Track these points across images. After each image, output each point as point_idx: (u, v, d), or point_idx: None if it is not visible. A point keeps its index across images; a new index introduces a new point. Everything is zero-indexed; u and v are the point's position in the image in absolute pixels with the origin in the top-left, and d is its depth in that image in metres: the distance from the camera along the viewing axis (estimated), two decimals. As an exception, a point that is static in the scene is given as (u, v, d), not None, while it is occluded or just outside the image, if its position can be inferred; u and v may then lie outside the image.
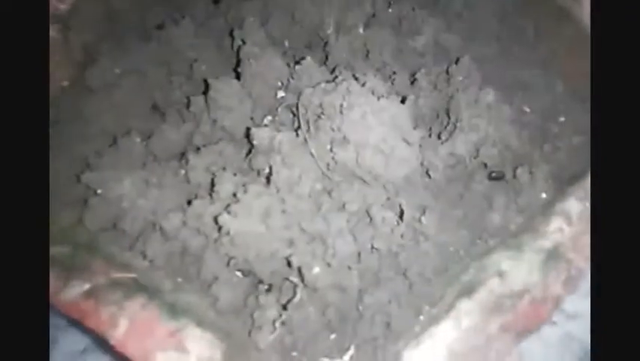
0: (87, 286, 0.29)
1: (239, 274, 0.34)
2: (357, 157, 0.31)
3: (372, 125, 0.30)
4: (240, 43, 0.39)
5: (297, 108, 0.34)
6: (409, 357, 0.27)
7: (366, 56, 0.42)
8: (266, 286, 0.34)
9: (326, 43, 0.44)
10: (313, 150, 0.32)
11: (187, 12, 0.49)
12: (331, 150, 0.32)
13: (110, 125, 0.41)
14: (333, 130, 0.31)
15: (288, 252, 0.31)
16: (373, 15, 0.45)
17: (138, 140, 0.38)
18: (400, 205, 0.31)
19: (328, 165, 0.33)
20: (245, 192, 0.30)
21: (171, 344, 0.27)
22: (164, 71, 0.45)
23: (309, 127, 0.33)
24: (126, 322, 0.28)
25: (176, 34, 0.46)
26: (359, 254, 0.33)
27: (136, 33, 0.47)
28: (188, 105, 0.40)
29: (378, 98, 0.31)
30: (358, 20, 0.44)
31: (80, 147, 0.38)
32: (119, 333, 0.27)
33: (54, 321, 0.53)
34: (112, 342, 0.27)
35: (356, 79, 0.34)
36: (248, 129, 0.34)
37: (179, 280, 0.33)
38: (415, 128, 0.33)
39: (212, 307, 0.31)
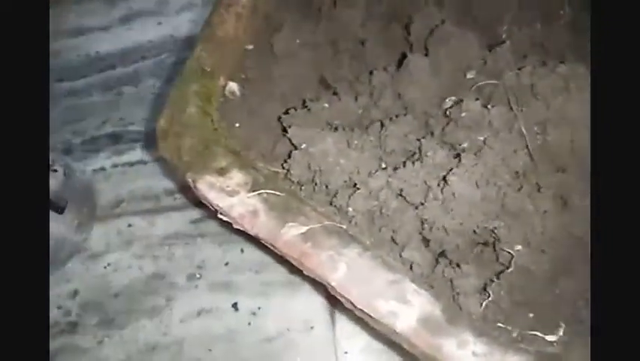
0: (304, 228, 0.30)
1: (421, 244, 0.35)
2: (572, 138, 0.31)
3: (601, 108, 0.30)
4: (439, 22, 0.40)
5: (504, 89, 0.34)
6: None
7: (546, 49, 0.43)
8: (449, 260, 0.34)
9: (501, 36, 0.45)
10: (523, 129, 0.33)
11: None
12: (543, 129, 0.32)
13: (290, 89, 0.43)
14: (548, 110, 0.32)
15: (494, 224, 0.31)
16: (548, 13, 0.45)
17: (326, 105, 0.39)
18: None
19: (531, 145, 0.33)
20: (462, 160, 0.31)
21: (392, 294, 0.28)
22: (333, 49, 0.47)
23: (518, 106, 0.33)
24: (345, 267, 0.29)
25: (346, 15, 0.48)
26: (553, 239, 0.33)
27: (309, 10, 0.49)
28: (370, 80, 0.41)
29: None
30: (535, 17, 0.44)
31: (270, 105, 0.40)
32: (339, 276, 0.28)
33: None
34: (333, 284, 0.28)
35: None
36: (458, 101, 0.35)
37: (372, 239, 0.33)
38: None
39: (409, 269, 0.32)
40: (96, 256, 0.60)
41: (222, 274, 0.56)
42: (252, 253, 0.56)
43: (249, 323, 0.53)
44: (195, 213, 0.60)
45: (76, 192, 0.60)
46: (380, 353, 0.50)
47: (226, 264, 0.57)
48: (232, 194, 0.31)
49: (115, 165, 0.66)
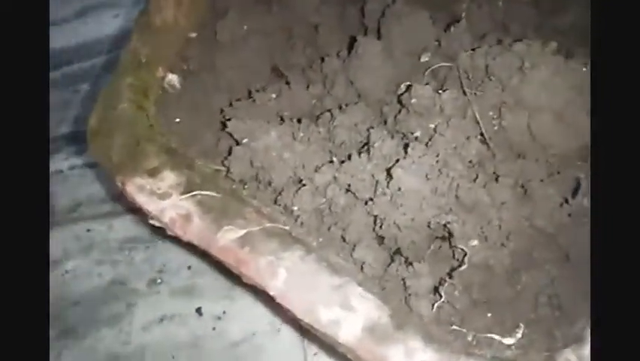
0: (241, 232, 0.27)
1: (375, 242, 0.33)
2: (529, 122, 0.29)
3: (558, 89, 0.28)
4: (390, 2, 0.38)
5: (457, 71, 0.32)
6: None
7: (506, 29, 0.40)
8: (404, 258, 0.32)
9: (459, 15, 0.42)
10: (477, 114, 0.30)
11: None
12: (499, 114, 0.30)
13: (237, 80, 0.40)
14: (503, 92, 0.29)
15: (447, 218, 0.29)
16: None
17: (274, 95, 0.37)
18: (578, 180, 0.29)
19: (486, 131, 0.31)
20: (409, 150, 0.28)
21: (335, 300, 0.25)
22: (285, 36, 0.44)
23: (471, 90, 0.31)
24: (285, 273, 0.26)
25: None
26: (512, 232, 0.31)
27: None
28: (321, 67, 0.38)
29: (566, 59, 0.29)
30: (497, -7, 0.42)
31: (214, 98, 0.37)
32: (279, 284, 0.26)
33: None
34: (272, 293, 0.26)
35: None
36: (408, 87, 0.32)
37: (321, 240, 0.31)
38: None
39: (360, 270, 0.29)
40: (54, 262, 0.57)
41: (185, 278, 0.54)
42: (216, 255, 0.54)
43: (214, 328, 0.51)
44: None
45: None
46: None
47: (188, 267, 0.54)
48: (163, 197, 0.29)
49: (72, 167, 0.63)
